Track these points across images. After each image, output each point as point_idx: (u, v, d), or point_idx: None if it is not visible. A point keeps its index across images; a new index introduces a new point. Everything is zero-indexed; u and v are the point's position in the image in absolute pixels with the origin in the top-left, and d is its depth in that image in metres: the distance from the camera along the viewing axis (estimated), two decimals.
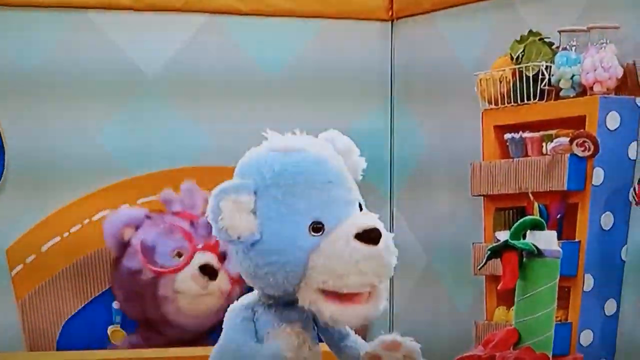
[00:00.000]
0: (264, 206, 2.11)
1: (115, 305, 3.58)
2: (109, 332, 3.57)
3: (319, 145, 2.20)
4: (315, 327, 2.19)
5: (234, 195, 2.11)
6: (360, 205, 2.17)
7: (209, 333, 3.39)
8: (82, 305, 3.52)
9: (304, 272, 2.09)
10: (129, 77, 3.81)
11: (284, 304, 2.16)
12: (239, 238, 2.09)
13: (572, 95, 3.54)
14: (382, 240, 2.09)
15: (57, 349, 3.46)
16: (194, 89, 3.89)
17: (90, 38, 3.76)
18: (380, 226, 2.11)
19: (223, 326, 2.21)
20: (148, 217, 3.57)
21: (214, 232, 2.13)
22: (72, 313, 3.50)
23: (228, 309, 2.23)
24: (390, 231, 2.17)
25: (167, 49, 3.87)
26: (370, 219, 2.12)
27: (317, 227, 2.11)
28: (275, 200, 2.12)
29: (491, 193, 3.66)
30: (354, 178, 2.22)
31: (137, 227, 3.52)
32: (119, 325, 3.59)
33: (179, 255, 3.49)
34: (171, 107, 3.85)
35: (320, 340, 2.21)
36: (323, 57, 4.07)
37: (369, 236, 2.08)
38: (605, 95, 3.45)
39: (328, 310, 2.09)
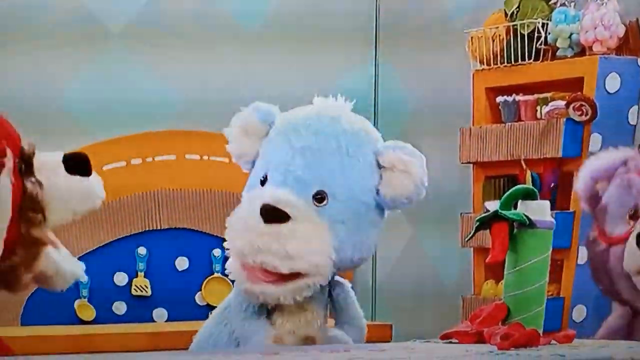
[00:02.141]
0: (265, 147, 2.32)
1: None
2: (76, 306, 3.64)
3: (356, 134, 2.32)
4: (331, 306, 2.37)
5: (244, 119, 2.35)
6: (319, 196, 2.27)
7: None
8: None
9: None
10: (92, 33, 3.81)
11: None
12: (240, 159, 2.35)
13: (569, 55, 3.60)
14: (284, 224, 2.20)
15: (22, 325, 3.51)
16: (163, 45, 3.89)
17: None
18: (286, 207, 2.21)
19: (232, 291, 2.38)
20: (624, 163, 3.04)
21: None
22: (36, 287, 3.54)
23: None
24: None
25: (133, 1, 3.89)
26: (277, 195, 2.23)
27: (262, 181, 2.30)
28: (270, 143, 2.32)
29: (481, 160, 3.71)
30: (385, 194, 2.32)
31: (609, 179, 2.99)
32: (86, 300, 3.65)
33: (634, 217, 2.96)
34: (139, 65, 3.86)
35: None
36: (303, 10, 4.10)
37: (265, 212, 2.21)
38: (606, 56, 3.51)
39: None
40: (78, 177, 2.07)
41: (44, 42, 3.74)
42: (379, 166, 2.32)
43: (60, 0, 3.76)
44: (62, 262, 2.10)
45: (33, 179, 2.04)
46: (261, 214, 2.20)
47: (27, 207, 2.00)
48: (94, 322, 3.61)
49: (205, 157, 3.80)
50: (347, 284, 2.42)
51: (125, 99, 3.84)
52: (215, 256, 3.73)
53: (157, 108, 3.86)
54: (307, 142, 2.28)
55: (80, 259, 3.57)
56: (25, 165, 2.04)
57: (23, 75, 3.72)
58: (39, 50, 3.73)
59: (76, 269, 2.16)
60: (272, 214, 2.20)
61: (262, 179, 2.31)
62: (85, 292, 3.64)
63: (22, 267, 1.99)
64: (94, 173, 2.10)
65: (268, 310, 2.32)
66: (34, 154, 2.07)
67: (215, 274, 3.67)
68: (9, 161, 1.98)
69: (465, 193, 3.84)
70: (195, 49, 3.93)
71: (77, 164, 2.08)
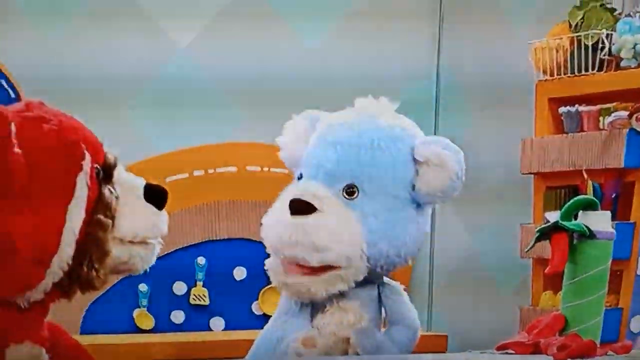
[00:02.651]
0: (307, 149, 2.35)
1: (141, 287, 3.69)
2: (135, 315, 3.68)
3: (391, 130, 2.32)
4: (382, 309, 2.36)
5: (294, 126, 2.40)
6: (349, 190, 2.28)
7: None
8: (107, 288, 3.61)
9: None
10: (160, 47, 3.87)
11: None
12: (291, 166, 2.37)
13: (633, 66, 3.57)
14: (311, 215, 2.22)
15: (81, 334, 3.54)
16: (228, 60, 3.95)
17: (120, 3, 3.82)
18: (314, 199, 2.22)
19: None
20: None
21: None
22: (97, 296, 3.58)
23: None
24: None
25: (200, 18, 3.93)
26: (305, 188, 2.26)
27: (299, 179, 2.34)
28: (310, 144, 2.36)
29: (542, 171, 3.71)
30: (420, 188, 2.31)
31: None
32: (145, 309, 3.69)
33: None
34: (202, 78, 3.91)
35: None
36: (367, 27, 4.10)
37: (292, 204, 2.25)
38: None
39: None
40: (152, 207, 2.13)
41: (111, 54, 3.79)
42: (415, 161, 2.31)
43: (127, 14, 3.81)
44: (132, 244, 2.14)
45: (110, 188, 2.10)
46: (289, 207, 2.21)
47: (100, 211, 2.06)
48: (153, 330, 3.66)
49: (266, 169, 3.82)
50: (398, 286, 2.41)
51: (189, 113, 3.88)
52: None
53: (220, 119, 3.90)
54: (339, 137, 2.30)
55: None
56: (104, 173, 2.11)
57: (87, 84, 3.76)
58: (107, 62, 3.77)
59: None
60: (298, 206, 2.22)
61: (299, 176, 2.32)
62: (144, 302, 3.68)
63: (95, 265, 2.05)
64: (164, 210, 2.18)
65: (312, 313, 2.32)
66: (115, 165, 2.14)
67: (273, 284, 3.68)
68: (87, 165, 2.05)
69: (525, 203, 3.82)
70: (257, 56, 3.95)
71: (155, 196, 2.15)
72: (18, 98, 3.54)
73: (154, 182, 2.19)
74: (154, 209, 2.14)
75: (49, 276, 2.00)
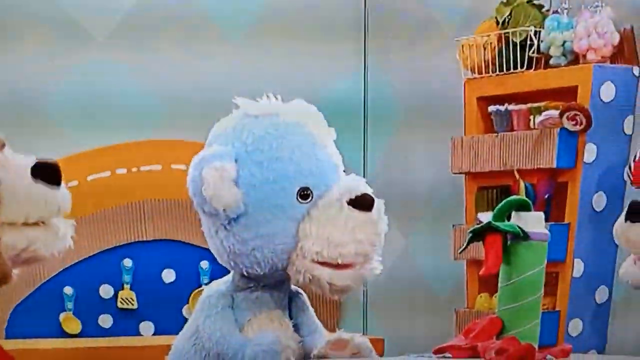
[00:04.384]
0: (246, 174, 2.17)
1: (66, 290, 3.65)
2: (61, 319, 3.63)
3: (294, 107, 2.30)
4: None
5: (217, 162, 2.15)
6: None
7: None
8: (31, 291, 3.56)
9: (294, 244, 2.18)
10: (75, 41, 3.82)
11: (263, 289, 2.25)
12: (224, 210, 2.15)
13: (563, 64, 3.61)
14: (374, 206, 2.18)
15: (6, 337, 3.48)
16: (148, 51, 3.90)
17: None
18: (370, 191, 2.20)
19: (195, 311, 2.30)
20: None
21: (195, 206, 2.22)
22: (21, 299, 3.53)
23: (203, 294, 2.32)
24: None
25: (116, 9, 3.89)
26: (360, 184, 2.22)
27: (305, 194, 2.19)
28: (260, 165, 2.18)
29: (473, 170, 3.72)
30: None
31: None
32: (71, 312, 3.65)
33: None
34: (122, 72, 3.86)
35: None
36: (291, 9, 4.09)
37: (363, 202, 2.18)
38: (600, 64, 3.52)
39: (325, 275, 2.19)
40: (40, 185, 2.05)
41: (28, 49, 3.73)
42: None
43: (42, 7, 3.76)
44: (28, 228, 2.06)
45: None
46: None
47: None
48: (80, 335, 3.61)
49: None
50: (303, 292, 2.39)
51: (110, 107, 3.84)
52: (202, 268, 3.73)
53: (142, 116, 3.86)
54: None
55: (65, 271, 3.67)
56: None
57: (6, 84, 3.71)
58: (25, 58, 3.72)
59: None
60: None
61: (302, 192, 2.23)
62: (70, 305, 3.64)
63: None
64: (62, 186, 2.09)
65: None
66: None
67: (203, 287, 3.66)
68: None
69: (458, 204, 3.85)
70: (182, 56, 3.92)
71: (44, 172, 2.07)
72: None
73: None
74: (45, 187, 2.05)
75: None
